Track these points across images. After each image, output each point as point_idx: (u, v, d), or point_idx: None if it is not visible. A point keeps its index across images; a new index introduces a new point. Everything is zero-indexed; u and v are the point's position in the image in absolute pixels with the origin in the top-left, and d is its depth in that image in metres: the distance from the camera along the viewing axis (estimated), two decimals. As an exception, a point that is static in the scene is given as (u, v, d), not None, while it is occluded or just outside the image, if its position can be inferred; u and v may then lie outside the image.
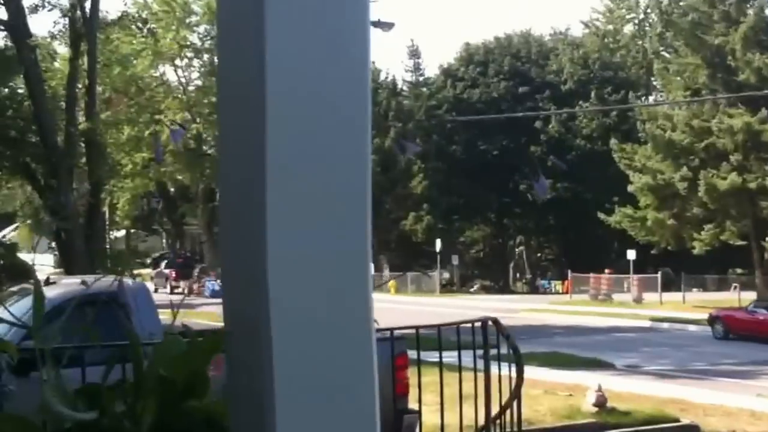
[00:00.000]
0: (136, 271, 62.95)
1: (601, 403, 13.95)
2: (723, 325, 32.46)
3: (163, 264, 69.10)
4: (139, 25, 36.51)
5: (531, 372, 21.51)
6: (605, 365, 23.40)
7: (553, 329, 35.90)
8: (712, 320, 33.23)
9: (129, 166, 74.86)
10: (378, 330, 10.99)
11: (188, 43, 75.63)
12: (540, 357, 23.89)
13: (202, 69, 77.73)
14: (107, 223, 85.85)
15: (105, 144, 34.24)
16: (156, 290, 32.50)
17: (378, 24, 31.13)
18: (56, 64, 35.89)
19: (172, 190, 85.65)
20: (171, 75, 77.49)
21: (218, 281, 61.49)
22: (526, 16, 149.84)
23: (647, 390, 18.15)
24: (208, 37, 76.33)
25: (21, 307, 9.51)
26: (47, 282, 9.85)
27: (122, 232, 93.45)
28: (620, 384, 18.97)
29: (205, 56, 77.46)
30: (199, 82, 78.01)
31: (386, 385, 10.21)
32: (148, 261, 78.46)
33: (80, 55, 32.75)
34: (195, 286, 61.37)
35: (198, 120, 72.90)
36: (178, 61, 77.33)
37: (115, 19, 34.78)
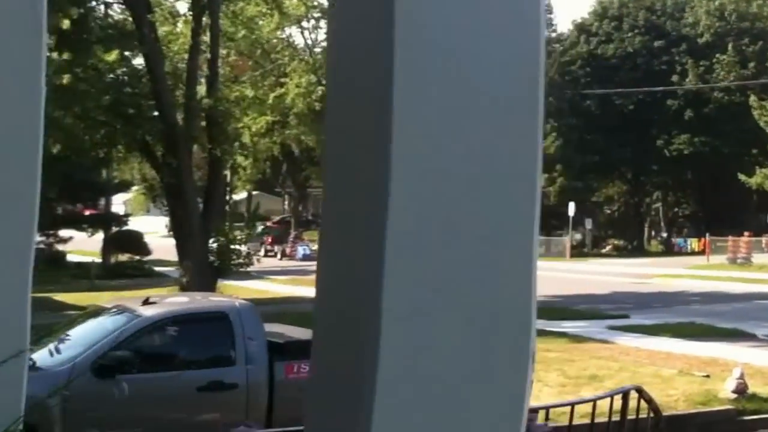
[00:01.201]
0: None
1: (740, 390, 12.87)
2: None
3: (260, 228, 68.74)
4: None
5: (666, 344, 20.51)
6: (746, 336, 21.99)
7: (689, 296, 34.36)
8: None
9: (254, 128, 76.17)
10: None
11: (315, 3, 75.93)
12: (675, 328, 23.04)
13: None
14: (228, 187, 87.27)
15: (228, 120, 34.09)
16: (249, 253, 32.86)
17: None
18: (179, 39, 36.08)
19: (297, 152, 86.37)
20: (297, 37, 78.35)
21: (310, 246, 61.87)
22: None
23: (789, 365, 17.34)
24: (336, -2, 76.67)
25: (116, 321, 9.90)
26: (146, 302, 10.31)
27: (244, 194, 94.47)
28: (762, 357, 17.75)
29: (332, 16, 77.59)
30: (325, 44, 78.33)
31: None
32: (275, 223, 79.03)
33: (203, 29, 33.02)
34: (288, 250, 62.19)
35: (323, 82, 73.30)
36: (304, 23, 77.94)
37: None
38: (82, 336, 9.70)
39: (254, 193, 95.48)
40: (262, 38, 71.23)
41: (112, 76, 31.28)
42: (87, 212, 50.11)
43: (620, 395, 8.62)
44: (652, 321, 25.13)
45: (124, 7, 31.56)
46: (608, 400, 8.84)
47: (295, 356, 9.92)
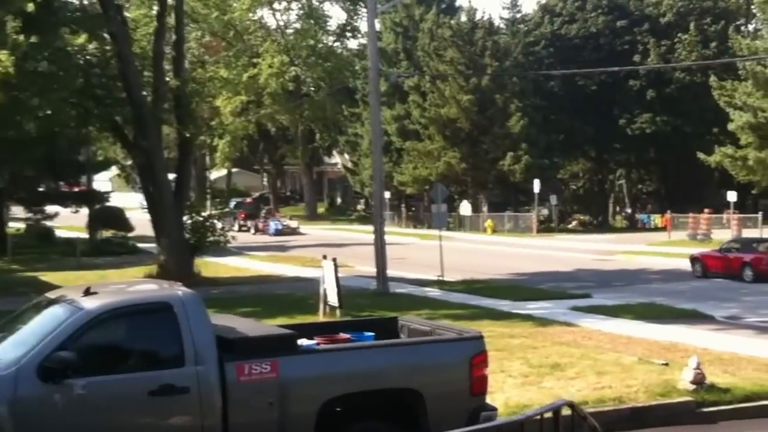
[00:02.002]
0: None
1: (699, 380, 12.56)
2: (701, 265, 33.94)
3: (233, 204, 70.26)
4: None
5: (626, 327, 20.20)
6: (704, 318, 21.89)
7: (650, 274, 34.34)
8: (692, 261, 34.59)
9: (228, 108, 75.77)
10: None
11: (285, -16, 75.48)
12: (636, 309, 22.87)
13: (301, 12, 77.55)
14: (207, 164, 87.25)
15: (197, 100, 33.72)
16: (223, 228, 32.63)
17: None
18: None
19: (273, 131, 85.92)
20: (269, 19, 77.48)
21: (282, 221, 62.75)
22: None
23: (748, 349, 16.72)
24: (307, -21, 76.02)
25: (57, 315, 8.94)
26: (88, 292, 9.09)
27: (224, 172, 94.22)
28: (720, 342, 17.74)
29: (303, -1, 77.26)
30: (297, 26, 77.81)
31: (461, 384, 9.56)
32: (250, 200, 78.86)
33: (168, 10, 32.36)
34: (260, 225, 62.77)
35: (296, 62, 72.83)
36: (276, 5, 77.32)
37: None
38: (27, 333, 8.91)
39: (234, 170, 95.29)
40: (234, 20, 70.94)
41: (80, 58, 30.76)
42: (76, 189, 50.94)
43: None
44: (614, 301, 24.97)
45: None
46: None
47: (246, 355, 8.95)
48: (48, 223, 48.95)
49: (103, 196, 49.73)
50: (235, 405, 8.80)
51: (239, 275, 34.62)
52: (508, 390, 12.80)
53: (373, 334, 10.63)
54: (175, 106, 32.06)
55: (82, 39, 29.41)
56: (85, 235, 46.57)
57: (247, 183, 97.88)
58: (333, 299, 22.28)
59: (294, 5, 77.66)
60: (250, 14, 75.17)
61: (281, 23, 77.37)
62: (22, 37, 25.06)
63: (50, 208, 48.32)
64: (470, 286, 28.89)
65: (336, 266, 22.45)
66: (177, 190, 32.35)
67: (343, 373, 9.24)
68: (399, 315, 12.07)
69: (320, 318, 21.81)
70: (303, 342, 10.11)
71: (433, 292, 27.91)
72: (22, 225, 51.82)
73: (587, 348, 16.59)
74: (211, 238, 32.48)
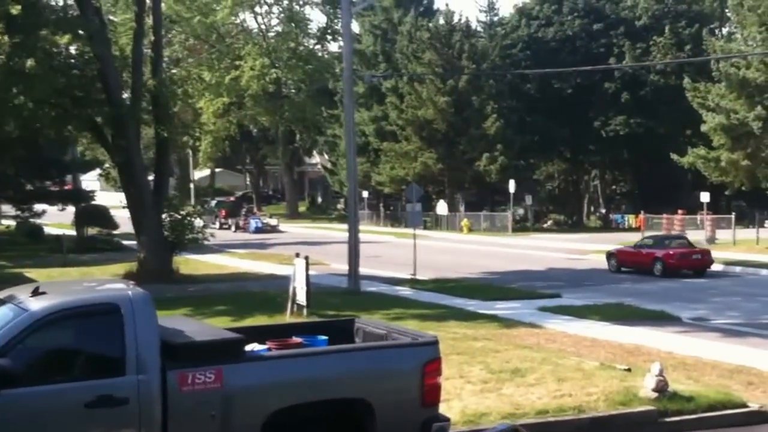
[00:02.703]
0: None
1: (661, 388, 12.01)
2: (616, 259, 35.44)
3: (213, 202, 71.28)
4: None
5: (591, 329, 19.75)
6: (671, 319, 21.51)
7: (621, 274, 34.08)
8: (608, 256, 36.04)
9: (210, 110, 75.48)
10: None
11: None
12: (603, 310, 22.51)
13: (282, 15, 77.18)
14: (191, 164, 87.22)
15: (173, 100, 33.48)
16: (205, 226, 32.57)
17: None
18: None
19: (254, 131, 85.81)
20: (251, 22, 77.30)
21: (261, 219, 63.00)
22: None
23: (713, 354, 16.41)
24: (288, -17, 75.57)
25: (3, 316, 8.23)
26: (36, 292, 8.41)
27: (207, 172, 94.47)
28: (685, 345, 17.38)
29: (285, 2, 76.81)
30: (278, 29, 77.49)
31: (413, 393, 8.99)
32: (232, 198, 78.79)
33: (146, 12, 32.05)
34: (241, 223, 63.03)
35: (277, 65, 72.44)
36: (257, 8, 76.89)
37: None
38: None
39: (218, 170, 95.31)
40: (217, 23, 70.80)
41: (61, 59, 30.68)
42: (66, 188, 51.65)
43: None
44: (582, 301, 24.62)
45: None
46: None
47: (190, 362, 8.26)
48: (37, 221, 49.38)
49: (88, 195, 50.06)
50: (175, 418, 8.15)
51: (217, 272, 34.33)
52: (466, 397, 12.37)
53: (326, 338, 10.14)
54: (153, 106, 31.86)
55: (65, 39, 29.24)
56: (73, 232, 46.91)
57: (230, 183, 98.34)
58: (301, 298, 21.90)
59: (275, 9, 77.89)
60: (233, 17, 75.29)
61: (263, 26, 77.34)
62: (6, 38, 24.76)
63: (38, 206, 48.65)
64: (441, 285, 28.51)
65: (307, 264, 22.04)
66: (156, 188, 32.33)
67: (290, 382, 8.67)
68: (356, 316, 11.52)
69: (287, 317, 21.43)
70: (254, 347, 9.65)
71: (405, 291, 27.55)
72: (12, 222, 52.33)
73: (550, 352, 16.19)
74: (190, 236, 32.47)
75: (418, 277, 30.54)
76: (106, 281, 9.85)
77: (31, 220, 49.25)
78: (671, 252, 33.81)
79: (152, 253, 30.83)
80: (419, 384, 9.03)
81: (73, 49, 31.38)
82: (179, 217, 32.33)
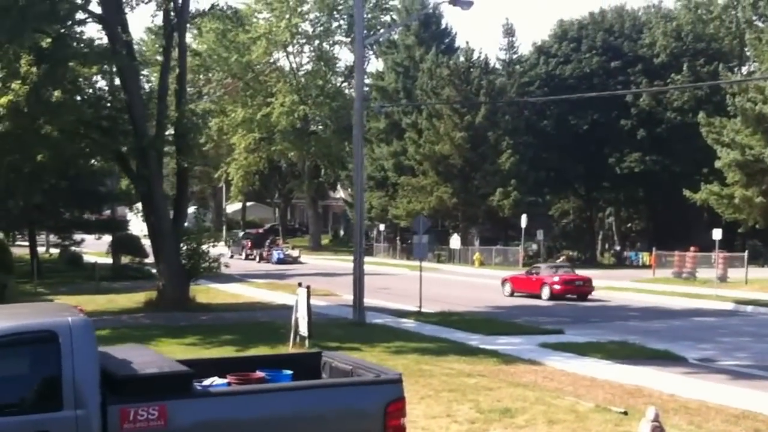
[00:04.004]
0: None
1: None
2: (510, 285, 38.23)
3: (240, 234, 72.42)
4: (230, 15, 35.01)
5: (593, 367, 18.43)
6: (676, 360, 20.18)
7: (629, 311, 32.60)
8: (502, 282, 38.87)
9: (242, 144, 75.71)
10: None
11: (300, 30, 75.29)
12: (607, 347, 21.31)
13: (312, 54, 77.33)
14: (224, 197, 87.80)
15: (196, 132, 33.18)
16: (232, 256, 32.55)
17: (457, 2, 28.90)
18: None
19: (283, 166, 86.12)
20: (283, 61, 78.02)
21: (284, 250, 63.12)
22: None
23: (719, 397, 15.27)
24: (319, 25, 75.70)
25: None
26: None
27: (239, 205, 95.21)
28: (689, 387, 16.21)
29: (315, 42, 76.88)
30: (308, 67, 77.59)
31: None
32: (261, 231, 78.83)
33: (173, 46, 31.86)
34: (264, 254, 63.25)
35: (306, 102, 72.45)
36: (290, 48, 77.15)
37: (205, 10, 33.26)
38: None
39: (249, 204, 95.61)
40: (252, 62, 71.64)
41: (89, 90, 30.75)
42: (103, 217, 52.15)
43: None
44: (586, 338, 23.49)
45: (100, 26, 30.35)
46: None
47: (133, 397, 7.47)
48: (78, 249, 51.13)
49: (122, 224, 51.06)
50: None
51: (232, 301, 33.83)
52: (451, 438, 11.46)
53: (291, 373, 9.31)
54: (175, 136, 31.62)
55: (92, 71, 29.21)
56: (109, 260, 48.25)
57: (261, 215, 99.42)
58: (303, 329, 21.13)
59: (306, 48, 78.24)
60: (267, 57, 75.58)
61: (294, 65, 77.60)
62: (34, 69, 24.54)
63: (77, 236, 50.26)
64: (446, 318, 27.55)
65: (309, 294, 21.29)
66: (175, 217, 32.07)
67: (242, 420, 7.79)
68: (324, 350, 10.62)
69: (289, 348, 20.66)
70: (214, 381, 8.85)
71: (409, 324, 26.61)
72: (56, 251, 54.09)
73: (545, 391, 15.19)
74: (205, 265, 32.15)
75: (425, 309, 29.67)
76: (49, 307, 8.97)
77: (73, 248, 50.83)
78: (556, 279, 36.51)
79: (171, 281, 30.58)
80: (381, 425, 8.13)
81: (102, 81, 31.62)
82: (195, 246, 32.05)
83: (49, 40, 25.42)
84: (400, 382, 8.51)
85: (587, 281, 36.57)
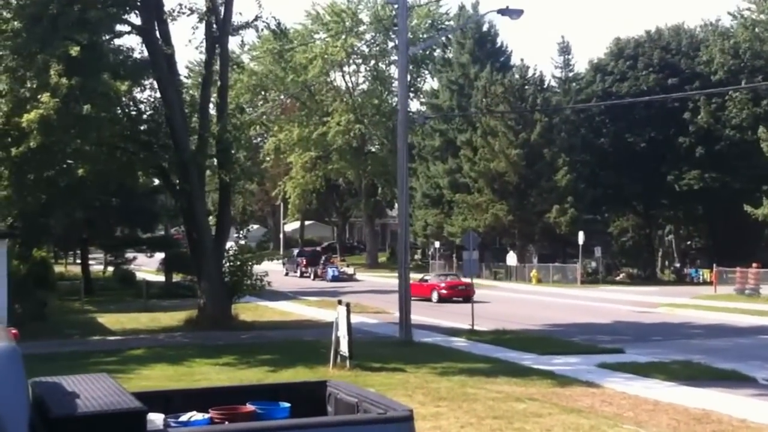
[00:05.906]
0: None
1: None
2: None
3: (295, 252, 70.61)
4: (273, 28, 33.31)
5: (656, 389, 16.12)
6: (745, 380, 18.06)
7: (691, 329, 30.13)
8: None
9: (299, 163, 74.77)
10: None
11: (356, 50, 74.25)
12: (670, 368, 19.16)
13: (368, 74, 76.22)
14: (281, 216, 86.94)
15: (237, 146, 31.63)
16: (287, 274, 31.16)
17: (506, 12, 26.96)
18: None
19: (341, 185, 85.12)
20: (339, 81, 77.27)
21: (339, 268, 61.52)
22: (677, 9, 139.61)
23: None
24: (375, 45, 74.56)
25: None
26: None
27: (297, 224, 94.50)
28: (761, 411, 14.16)
29: (371, 62, 75.73)
30: (364, 87, 76.49)
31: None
32: (319, 249, 77.44)
33: (214, 59, 30.43)
34: (319, 272, 61.47)
35: (362, 121, 71.28)
36: (346, 68, 76.14)
37: (248, 22, 31.55)
38: None
39: (308, 222, 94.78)
40: (309, 81, 71.01)
41: (126, 104, 29.42)
42: (155, 235, 51.40)
43: None
44: (647, 357, 21.28)
45: (140, 39, 28.94)
46: None
47: None
48: (131, 267, 50.72)
49: (175, 242, 49.68)
50: None
51: (280, 319, 32.22)
52: None
53: (288, 406, 7.42)
54: (217, 151, 29.93)
55: (124, 86, 28.00)
56: (162, 278, 47.48)
57: (319, 234, 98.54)
58: (344, 348, 19.35)
59: (362, 68, 77.32)
60: (323, 76, 74.67)
61: (350, 84, 76.58)
62: (64, 80, 23.10)
63: (130, 253, 49.99)
64: (499, 337, 25.48)
65: (349, 312, 19.50)
66: (217, 233, 30.45)
67: None
68: (329, 379, 8.62)
69: (329, 370, 18.87)
70: (193, 416, 7.00)
71: (460, 343, 24.64)
72: (111, 268, 53.49)
73: (602, 417, 13.16)
74: (248, 282, 30.69)
75: (478, 327, 27.63)
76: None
77: (125, 266, 50.21)
78: (443, 284, 41.14)
79: (212, 299, 29.00)
80: None
81: (141, 95, 30.37)
82: (238, 263, 30.61)
83: (77, 48, 23.78)
84: (411, 420, 6.56)
85: (469, 285, 35.51)
